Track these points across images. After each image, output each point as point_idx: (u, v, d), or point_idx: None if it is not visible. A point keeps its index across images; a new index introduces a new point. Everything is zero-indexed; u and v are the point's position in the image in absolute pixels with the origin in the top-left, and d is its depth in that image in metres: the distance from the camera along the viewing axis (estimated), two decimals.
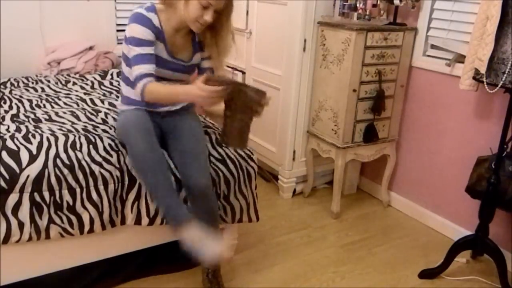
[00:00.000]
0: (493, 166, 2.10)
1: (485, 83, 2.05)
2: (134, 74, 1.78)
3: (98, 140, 1.90)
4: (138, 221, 1.91)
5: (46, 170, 1.73)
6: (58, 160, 1.76)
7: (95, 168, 1.81)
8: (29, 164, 1.72)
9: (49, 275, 1.89)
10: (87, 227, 1.82)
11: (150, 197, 1.87)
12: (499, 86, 1.99)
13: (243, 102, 1.70)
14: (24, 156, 1.74)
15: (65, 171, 1.76)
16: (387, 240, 2.62)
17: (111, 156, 1.86)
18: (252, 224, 2.36)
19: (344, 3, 2.70)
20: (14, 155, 1.74)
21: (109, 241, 1.93)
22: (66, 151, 1.81)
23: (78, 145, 1.85)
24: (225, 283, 2.14)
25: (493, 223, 2.17)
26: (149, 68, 1.78)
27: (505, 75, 1.96)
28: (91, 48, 3.21)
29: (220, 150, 2.06)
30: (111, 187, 1.83)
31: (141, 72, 1.77)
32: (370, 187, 3.17)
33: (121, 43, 3.40)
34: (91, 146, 1.86)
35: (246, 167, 2.08)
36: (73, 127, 2.05)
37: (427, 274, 2.30)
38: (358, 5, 2.65)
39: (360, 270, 2.33)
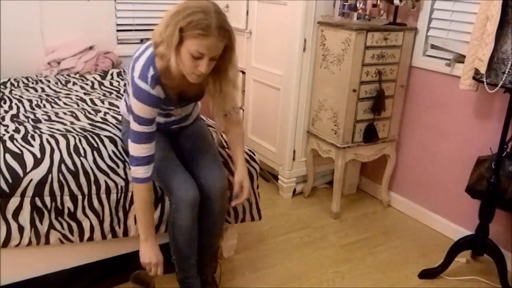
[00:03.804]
0: (493, 166, 2.10)
1: (485, 83, 2.05)
2: (132, 153, 1.68)
3: (101, 145, 1.89)
4: None
5: (50, 175, 1.72)
6: (63, 166, 1.76)
7: (101, 176, 1.80)
8: (33, 168, 1.71)
9: (50, 275, 1.89)
10: (87, 235, 1.82)
11: (173, 258, 1.89)
12: (499, 86, 1.99)
13: None
14: (29, 160, 1.73)
15: (69, 177, 1.75)
16: (387, 240, 2.62)
17: (118, 166, 1.85)
18: (252, 224, 2.37)
19: (344, 3, 2.70)
20: (19, 158, 1.73)
21: (109, 241, 1.92)
22: (70, 155, 1.80)
23: (82, 151, 1.84)
24: (225, 283, 2.14)
25: (493, 223, 2.17)
26: (148, 148, 1.67)
27: (505, 75, 1.96)
28: (91, 48, 3.21)
29: (221, 151, 2.06)
30: (113, 196, 1.82)
31: (138, 154, 1.66)
32: (370, 187, 3.17)
33: (121, 43, 3.42)
34: (95, 153, 1.85)
35: (247, 168, 2.07)
36: (72, 127, 2.05)
37: (427, 274, 2.30)
38: (358, 5, 2.65)
39: (360, 270, 2.33)
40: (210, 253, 1.97)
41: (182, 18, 1.49)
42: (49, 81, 2.87)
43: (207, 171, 1.86)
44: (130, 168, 1.73)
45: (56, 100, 2.50)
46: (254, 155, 2.14)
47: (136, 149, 1.67)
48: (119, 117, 2.18)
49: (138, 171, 1.67)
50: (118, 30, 3.40)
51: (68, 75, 3.01)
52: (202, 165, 1.88)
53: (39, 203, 1.71)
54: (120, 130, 2.05)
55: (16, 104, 2.38)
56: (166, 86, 1.69)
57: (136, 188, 1.71)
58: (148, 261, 1.74)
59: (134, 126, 1.66)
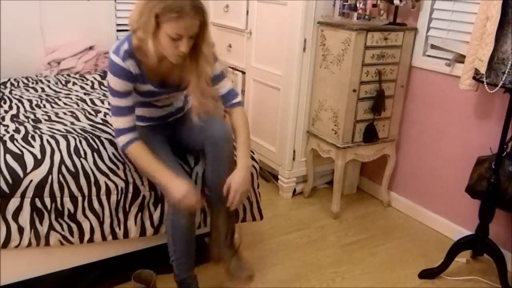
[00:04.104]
0: (493, 166, 2.10)
1: (485, 83, 2.05)
2: (114, 126, 1.77)
3: (101, 147, 1.90)
4: (142, 233, 1.92)
5: (50, 176, 1.72)
6: (63, 167, 1.76)
7: (101, 178, 1.80)
8: (34, 169, 1.71)
9: (50, 275, 1.89)
10: (87, 236, 1.83)
11: (172, 259, 1.88)
12: (499, 86, 1.99)
13: None
14: (29, 161, 1.73)
15: (69, 178, 1.75)
16: (387, 240, 2.62)
17: (118, 167, 1.86)
18: (252, 224, 2.37)
19: (344, 3, 2.70)
20: (19, 158, 1.73)
21: (110, 241, 1.92)
22: (70, 157, 1.80)
23: (82, 152, 1.84)
24: (225, 283, 2.14)
25: (493, 223, 2.17)
26: (127, 120, 1.74)
27: (505, 75, 1.96)
28: (91, 48, 3.22)
29: None
30: (113, 197, 1.83)
31: (119, 126, 1.74)
32: (370, 187, 3.17)
33: None
34: (95, 154, 1.85)
35: None
36: (72, 127, 2.05)
37: (427, 274, 2.30)
38: (358, 5, 2.65)
39: (360, 270, 2.33)
40: (224, 210, 1.89)
41: (156, 4, 1.54)
42: (49, 81, 2.87)
43: (209, 123, 1.84)
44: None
45: (56, 100, 2.50)
46: (254, 154, 2.14)
47: (115, 122, 1.76)
48: None
49: (120, 139, 1.75)
50: (118, 30, 3.40)
51: (68, 75, 3.01)
52: (206, 121, 1.85)
53: (39, 204, 1.71)
54: None
55: (16, 104, 2.38)
56: (142, 63, 1.73)
57: (129, 152, 1.76)
58: (181, 195, 1.68)
59: (110, 99, 1.74)
